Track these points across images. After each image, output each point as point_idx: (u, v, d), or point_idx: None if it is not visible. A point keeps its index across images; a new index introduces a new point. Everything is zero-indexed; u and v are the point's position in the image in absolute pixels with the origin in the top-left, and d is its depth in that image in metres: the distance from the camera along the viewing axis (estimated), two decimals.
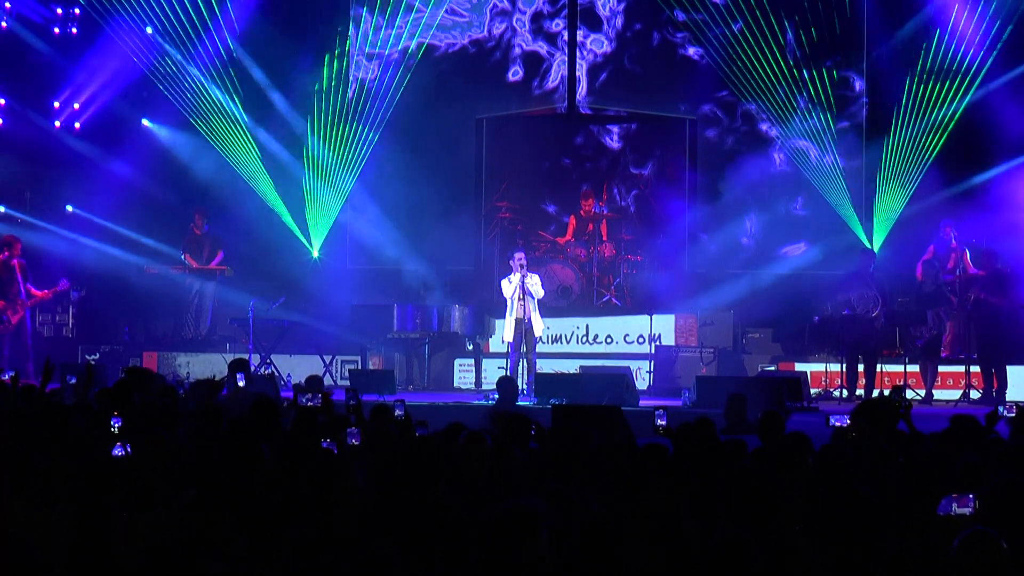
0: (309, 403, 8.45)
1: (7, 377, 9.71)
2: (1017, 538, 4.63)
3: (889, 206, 18.12)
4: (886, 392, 13.67)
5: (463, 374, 17.34)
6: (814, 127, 18.40)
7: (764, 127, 18.71)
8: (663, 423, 7.84)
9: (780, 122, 18.56)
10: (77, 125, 18.98)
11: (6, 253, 16.20)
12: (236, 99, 19.21)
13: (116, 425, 7.86)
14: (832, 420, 7.47)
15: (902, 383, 14.64)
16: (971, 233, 16.29)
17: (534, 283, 15.05)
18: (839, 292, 15.71)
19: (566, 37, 19.31)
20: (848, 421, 7.48)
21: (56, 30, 18.75)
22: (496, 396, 14.80)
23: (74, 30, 18.81)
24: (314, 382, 11.79)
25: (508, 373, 14.83)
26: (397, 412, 8.80)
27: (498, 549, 4.14)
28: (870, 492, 5.46)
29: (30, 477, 5.88)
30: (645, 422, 8.61)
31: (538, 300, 15.09)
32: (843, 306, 15.58)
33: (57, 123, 18.86)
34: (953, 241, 16.18)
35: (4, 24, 18.27)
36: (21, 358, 16.04)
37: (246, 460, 6.30)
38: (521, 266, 14.98)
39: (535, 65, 19.43)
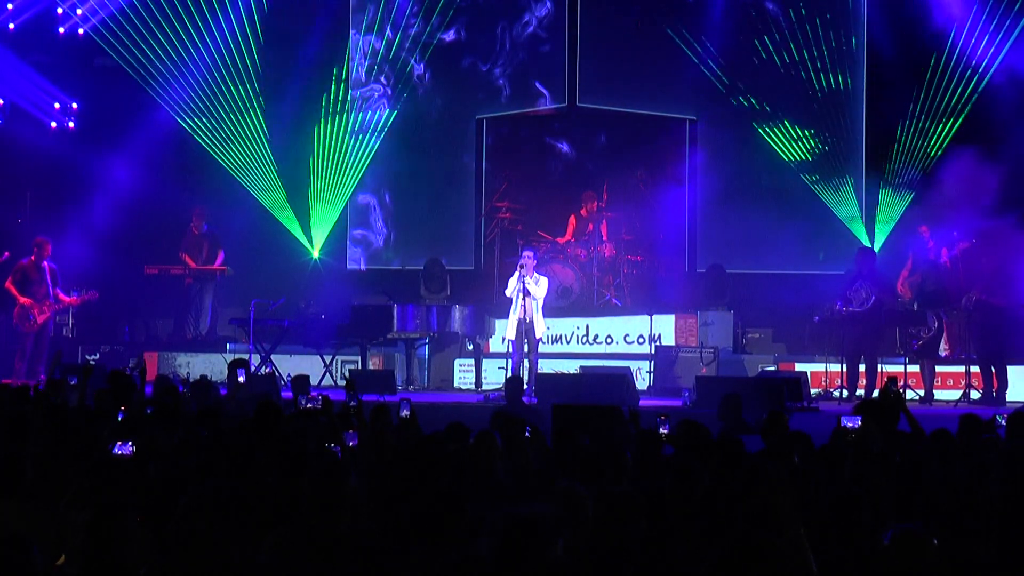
0: (308, 404, 8.46)
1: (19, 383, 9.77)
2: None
3: (890, 207, 18.12)
4: None
5: (463, 374, 17.34)
6: (814, 127, 18.44)
7: (765, 127, 18.69)
8: (665, 431, 7.77)
9: (780, 122, 18.58)
10: (71, 124, 19.00)
11: (36, 253, 16.40)
12: (236, 100, 19.24)
13: (120, 420, 7.90)
14: (844, 421, 7.43)
15: (901, 382, 14.67)
16: (964, 233, 16.29)
17: (537, 284, 15.03)
18: (838, 290, 15.76)
19: (567, 35, 19.32)
20: (860, 422, 7.45)
21: (61, 30, 18.80)
22: (495, 396, 14.87)
23: (81, 30, 18.84)
24: (301, 382, 11.74)
25: (510, 373, 14.85)
26: (404, 412, 8.82)
27: (512, 555, 4.14)
28: (864, 492, 5.48)
29: (23, 477, 5.88)
30: (645, 422, 8.62)
31: (541, 301, 15.08)
32: (837, 299, 15.62)
33: (54, 124, 18.90)
34: (931, 242, 16.24)
35: (12, 26, 18.32)
36: (36, 358, 16.21)
37: (247, 463, 6.31)
38: (522, 266, 14.98)
39: (535, 64, 19.42)
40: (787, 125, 18.59)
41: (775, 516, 4.87)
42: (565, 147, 19.89)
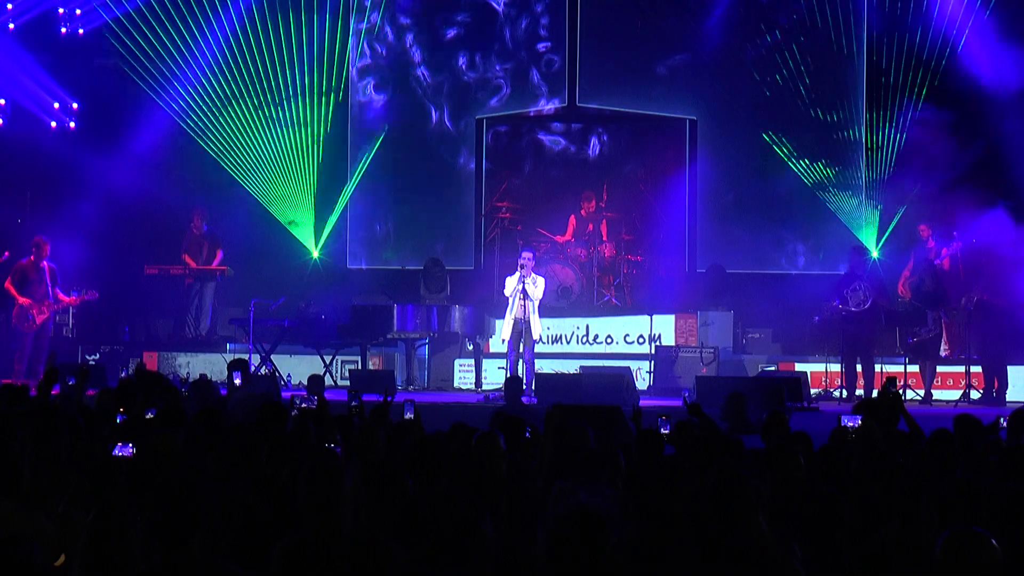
0: (304, 404, 8.45)
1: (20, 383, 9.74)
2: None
3: (890, 207, 18.11)
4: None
5: (463, 374, 17.33)
6: (814, 127, 18.44)
7: (763, 126, 18.69)
8: (666, 432, 7.75)
9: (780, 122, 18.60)
10: (72, 124, 18.99)
11: (35, 252, 16.40)
12: (236, 100, 19.23)
13: (120, 421, 7.89)
14: (844, 421, 7.43)
15: (901, 382, 14.71)
16: (964, 233, 16.28)
17: (535, 284, 15.03)
18: (833, 291, 15.82)
19: (567, 35, 19.30)
20: (860, 422, 7.45)
21: (63, 30, 18.81)
22: (495, 396, 14.86)
23: (81, 30, 18.85)
24: (315, 382, 11.79)
25: (508, 373, 14.85)
26: (408, 414, 8.82)
27: (566, 551, 4.14)
28: (865, 492, 5.48)
29: (22, 477, 5.86)
30: (645, 422, 8.61)
31: (538, 302, 15.07)
32: (834, 297, 15.67)
33: (54, 123, 18.89)
34: (931, 241, 16.24)
35: (12, 26, 18.31)
36: (36, 358, 16.21)
37: (246, 463, 6.31)
38: (522, 267, 14.99)
39: (535, 64, 19.41)
40: (787, 125, 18.58)
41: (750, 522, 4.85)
42: (565, 147, 19.89)
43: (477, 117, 19.73)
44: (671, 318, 17.44)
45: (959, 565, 4.24)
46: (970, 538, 4.31)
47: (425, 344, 17.45)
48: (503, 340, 15.39)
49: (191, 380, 12.61)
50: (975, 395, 15.29)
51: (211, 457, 6.78)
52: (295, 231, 19.48)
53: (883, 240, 18.07)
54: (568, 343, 17.74)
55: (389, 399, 9.41)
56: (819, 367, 16.31)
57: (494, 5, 19.42)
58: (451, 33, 19.45)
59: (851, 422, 7.38)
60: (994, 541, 4.31)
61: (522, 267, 14.99)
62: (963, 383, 15.44)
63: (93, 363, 16.40)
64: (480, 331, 17.35)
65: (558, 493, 5.38)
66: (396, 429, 8.14)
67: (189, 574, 4.46)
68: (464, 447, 6.82)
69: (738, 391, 11.21)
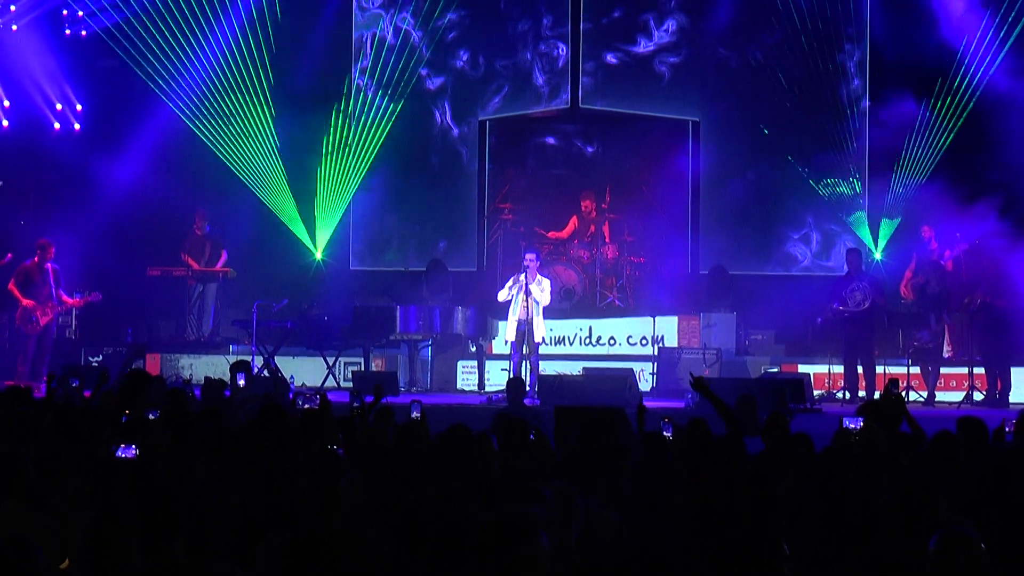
0: (306, 405, 8.45)
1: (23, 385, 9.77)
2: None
3: (893, 208, 18.11)
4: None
5: (466, 375, 17.33)
6: (817, 130, 18.43)
7: (766, 128, 18.69)
8: (669, 435, 7.75)
9: (782, 124, 18.59)
10: (77, 126, 19.00)
11: (39, 254, 16.42)
12: (240, 100, 19.24)
13: (123, 422, 7.90)
14: (847, 422, 7.43)
15: (904, 383, 14.71)
16: (966, 235, 16.28)
17: (542, 288, 15.02)
18: (833, 292, 15.84)
19: (569, 37, 19.30)
20: (863, 423, 7.45)
21: (67, 32, 18.84)
22: (497, 398, 14.86)
23: (83, 32, 18.88)
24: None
25: (512, 374, 14.84)
26: (414, 414, 8.83)
27: (496, 556, 4.15)
28: (870, 494, 5.48)
29: (27, 478, 5.87)
30: (647, 424, 8.61)
31: (543, 306, 15.05)
32: (833, 299, 15.69)
33: (57, 125, 18.90)
34: (933, 243, 16.23)
35: (14, 27, 18.33)
36: (39, 360, 16.23)
37: (247, 464, 6.31)
38: (526, 268, 14.99)
39: (538, 65, 19.41)
40: (789, 126, 18.57)
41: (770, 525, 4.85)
42: (568, 148, 19.88)
43: (480, 118, 19.73)
44: (674, 319, 17.43)
45: (949, 565, 4.28)
46: (959, 539, 4.35)
47: (428, 345, 17.44)
48: (506, 342, 15.38)
49: (192, 381, 12.59)
50: (978, 397, 15.28)
51: (214, 458, 6.78)
52: (298, 232, 19.49)
53: (885, 241, 18.06)
54: (571, 345, 17.72)
55: (382, 400, 9.42)
56: (822, 368, 16.29)
57: (498, 5, 19.39)
58: (453, 33, 19.46)
59: (853, 424, 7.37)
60: (982, 544, 4.35)
61: (526, 268, 14.99)
62: (966, 385, 15.43)
63: (96, 364, 16.41)
64: (483, 332, 17.33)
65: (555, 495, 5.38)
66: (401, 430, 8.15)
67: (188, 574, 4.46)
68: (461, 448, 6.83)
69: (749, 394, 11.22)
